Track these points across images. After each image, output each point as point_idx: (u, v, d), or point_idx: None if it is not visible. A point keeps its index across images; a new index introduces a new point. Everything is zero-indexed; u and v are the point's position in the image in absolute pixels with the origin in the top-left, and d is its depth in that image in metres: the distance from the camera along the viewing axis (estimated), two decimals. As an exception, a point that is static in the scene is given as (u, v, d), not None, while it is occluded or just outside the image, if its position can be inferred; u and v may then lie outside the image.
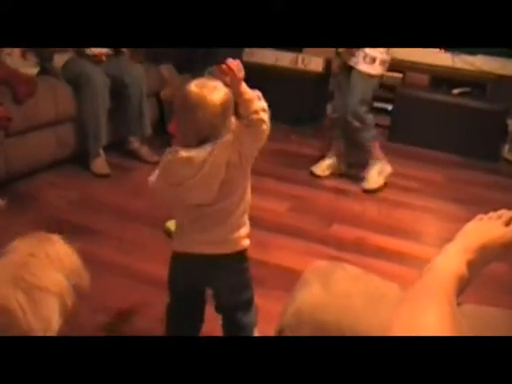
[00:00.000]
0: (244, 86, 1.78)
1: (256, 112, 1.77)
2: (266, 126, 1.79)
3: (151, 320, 2.47)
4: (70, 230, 3.22)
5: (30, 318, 1.81)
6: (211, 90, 1.80)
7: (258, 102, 1.78)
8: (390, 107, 5.48)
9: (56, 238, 2.04)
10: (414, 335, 0.98)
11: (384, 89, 4.95)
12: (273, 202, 3.82)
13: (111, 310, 2.56)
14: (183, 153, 1.81)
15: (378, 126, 5.14)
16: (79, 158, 4.19)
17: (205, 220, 1.94)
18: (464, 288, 1.20)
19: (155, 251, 3.07)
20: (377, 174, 4.20)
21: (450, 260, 1.17)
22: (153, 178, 1.94)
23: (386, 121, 5.39)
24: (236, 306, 2.15)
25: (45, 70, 4.15)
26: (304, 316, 1.43)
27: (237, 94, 1.78)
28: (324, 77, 5.51)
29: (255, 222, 3.47)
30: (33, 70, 4.07)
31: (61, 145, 4.08)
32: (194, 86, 1.81)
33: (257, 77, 5.27)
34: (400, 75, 5.43)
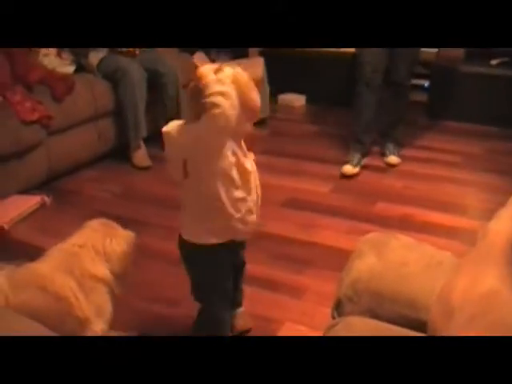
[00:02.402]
0: (202, 72, 1.70)
1: (210, 95, 1.65)
2: (220, 110, 1.65)
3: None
4: (116, 222, 3.26)
5: (83, 305, 1.86)
6: None
7: (214, 86, 1.67)
8: (426, 83, 5.42)
9: (118, 232, 2.10)
10: (476, 299, 0.98)
11: (419, 65, 4.90)
12: (316, 183, 3.82)
13: (168, 299, 2.59)
14: (164, 129, 1.84)
15: (415, 102, 5.13)
16: (120, 152, 4.24)
17: (183, 201, 1.96)
18: (521, 251, 1.19)
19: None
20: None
21: (504, 224, 1.16)
22: None
23: (423, 97, 5.34)
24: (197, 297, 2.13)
25: (81, 68, 4.20)
26: (361, 286, 1.44)
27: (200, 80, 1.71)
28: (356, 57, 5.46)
29: (300, 204, 3.52)
30: (69, 69, 4.13)
31: (101, 140, 4.13)
32: None
33: (290, 61, 5.33)
34: (435, 50, 5.36)
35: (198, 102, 1.69)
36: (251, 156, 1.88)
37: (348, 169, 4.00)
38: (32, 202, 3.44)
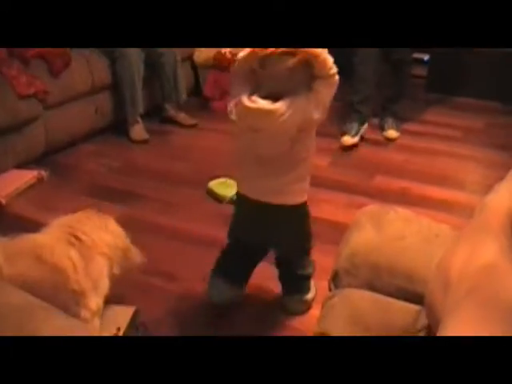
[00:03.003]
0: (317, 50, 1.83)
1: (331, 67, 1.86)
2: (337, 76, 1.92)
3: (197, 280, 2.50)
4: (114, 196, 3.27)
5: (80, 277, 1.85)
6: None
7: (330, 58, 1.86)
8: (426, 57, 5.39)
9: (111, 220, 2.11)
10: (473, 273, 0.97)
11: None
12: (314, 157, 3.80)
13: (166, 273, 2.59)
14: (266, 105, 1.82)
15: (415, 76, 5.10)
16: (117, 126, 4.22)
17: (269, 168, 2.00)
18: (521, 224, 1.17)
19: (200, 212, 3.10)
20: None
21: (503, 197, 1.14)
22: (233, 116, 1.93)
23: (422, 71, 5.31)
24: (290, 256, 2.32)
25: (77, 42, 4.17)
26: (358, 258, 1.43)
27: (313, 58, 1.82)
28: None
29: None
30: (66, 43, 4.09)
31: (99, 114, 4.11)
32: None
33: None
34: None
35: (307, 74, 1.86)
36: None
37: (347, 139, 4.00)
38: (29, 176, 3.43)
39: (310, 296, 2.36)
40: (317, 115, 1.88)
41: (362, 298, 1.33)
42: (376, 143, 4.09)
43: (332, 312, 1.35)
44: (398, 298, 1.35)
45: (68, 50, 3.99)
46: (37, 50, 3.73)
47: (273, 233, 2.15)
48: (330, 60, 1.86)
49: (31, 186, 3.38)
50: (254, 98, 1.82)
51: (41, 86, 3.57)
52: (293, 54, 1.79)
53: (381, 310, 1.29)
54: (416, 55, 5.05)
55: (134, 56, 4.06)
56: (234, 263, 2.30)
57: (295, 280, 2.35)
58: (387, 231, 1.48)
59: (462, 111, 4.78)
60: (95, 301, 1.91)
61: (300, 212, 2.18)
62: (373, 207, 1.62)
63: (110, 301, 2.04)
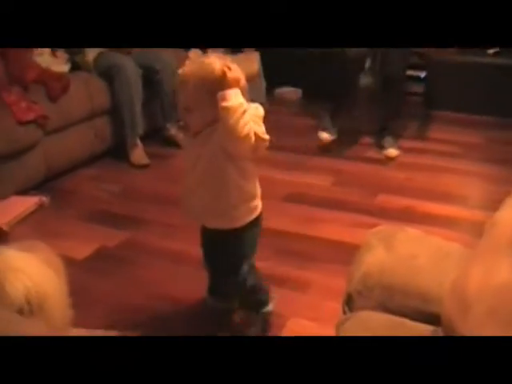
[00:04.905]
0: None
1: None
2: None
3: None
4: (116, 221, 3.25)
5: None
6: None
7: None
8: (422, 74, 5.39)
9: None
10: (493, 291, 0.96)
11: (415, 56, 4.88)
12: (317, 177, 3.80)
13: (170, 297, 2.57)
14: None
15: (412, 94, 5.12)
16: (118, 151, 4.20)
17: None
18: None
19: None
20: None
21: (512, 213, 1.14)
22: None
23: (419, 88, 5.32)
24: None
25: (76, 66, 4.17)
26: (371, 280, 1.42)
27: None
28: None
29: (301, 198, 3.50)
30: (64, 67, 4.09)
31: (98, 138, 4.10)
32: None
33: (286, 54, 5.29)
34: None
35: None
36: None
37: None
38: (30, 203, 3.41)
39: None
40: None
41: (377, 321, 1.31)
42: (376, 162, 4.08)
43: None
44: (412, 318, 1.33)
45: (66, 73, 4.00)
46: (36, 73, 3.73)
47: None
48: None
49: (33, 213, 3.36)
50: None
51: (40, 111, 3.56)
52: None
53: (397, 333, 1.27)
54: (412, 73, 5.07)
55: (132, 72, 4.06)
56: None
57: None
58: (399, 251, 1.47)
59: (461, 127, 4.78)
60: None
61: None
62: (382, 228, 1.61)
63: (113, 326, 2.01)
